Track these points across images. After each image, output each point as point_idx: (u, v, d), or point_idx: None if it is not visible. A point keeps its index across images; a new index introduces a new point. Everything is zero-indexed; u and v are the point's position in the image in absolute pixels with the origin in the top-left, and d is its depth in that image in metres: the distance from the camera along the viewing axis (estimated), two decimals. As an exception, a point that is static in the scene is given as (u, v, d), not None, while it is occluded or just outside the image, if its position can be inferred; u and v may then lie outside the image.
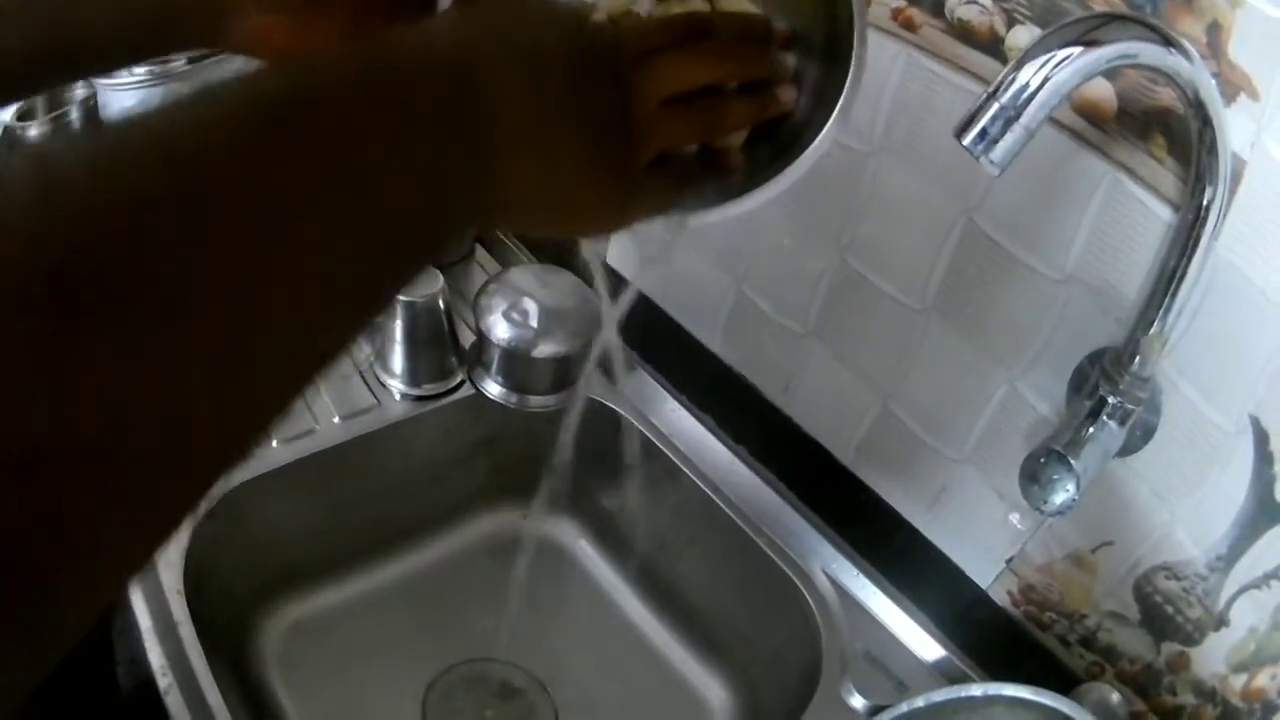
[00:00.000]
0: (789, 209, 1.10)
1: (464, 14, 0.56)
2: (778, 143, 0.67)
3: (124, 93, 1.48)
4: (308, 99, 0.41)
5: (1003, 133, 0.64)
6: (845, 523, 1.16)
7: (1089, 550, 0.92)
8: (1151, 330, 0.77)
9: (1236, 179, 0.73)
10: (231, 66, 1.52)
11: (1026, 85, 0.63)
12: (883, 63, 0.94)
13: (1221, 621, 0.83)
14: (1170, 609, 0.87)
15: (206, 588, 1.03)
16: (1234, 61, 0.72)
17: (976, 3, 0.86)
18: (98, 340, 0.31)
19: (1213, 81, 0.68)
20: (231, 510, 1.10)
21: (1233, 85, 0.72)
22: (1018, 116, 0.63)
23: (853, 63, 0.65)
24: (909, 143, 0.96)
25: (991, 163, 0.65)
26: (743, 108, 0.64)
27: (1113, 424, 0.81)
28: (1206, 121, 0.68)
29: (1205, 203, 0.71)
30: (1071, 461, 0.80)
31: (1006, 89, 0.63)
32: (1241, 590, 0.81)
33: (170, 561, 1.01)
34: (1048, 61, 0.63)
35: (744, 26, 0.65)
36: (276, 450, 1.15)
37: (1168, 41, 0.65)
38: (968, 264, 0.94)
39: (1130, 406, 0.80)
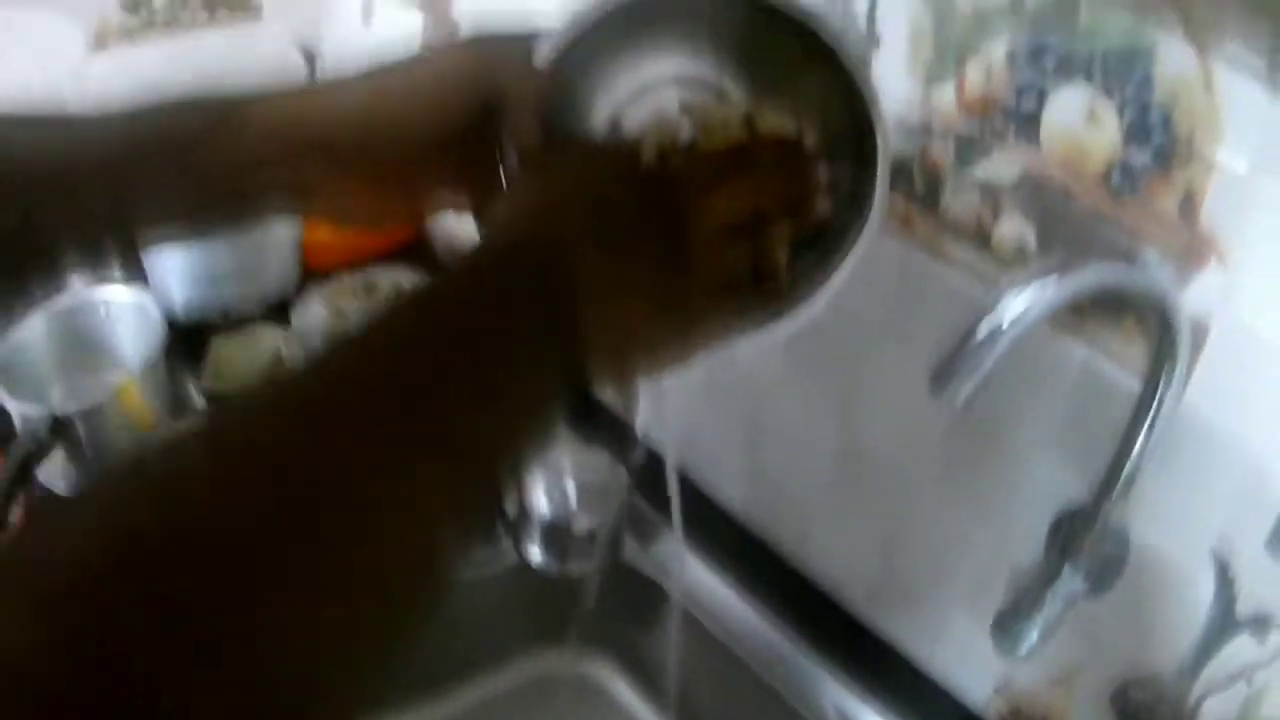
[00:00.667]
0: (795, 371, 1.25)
1: (534, 191, 0.66)
2: (820, 251, 0.73)
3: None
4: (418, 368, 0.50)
5: (966, 378, 0.74)
6: (856, 662, 1.25)
7: (1067, 674, 1.03)
8: (1113, 495, 0.88)
9: (1201, 337, 0.83)
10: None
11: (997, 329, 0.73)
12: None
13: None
14: (1144, 716, 0.97)
15: None
16: (1204, 228, 0.82)
17: (964, 197, 1.00)
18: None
19: (1169, 287, 0.80)
20: None
21: (1201, 253, 0.83)
22: (978, 364, 0.73)
23: (879, 160, 0.70)
24: (906, 334, 1.10)
25: (955, 405, 0.76)
26: (788, 225, 0.69)
27: (1076, 578, 0.93)
28: (1165, 324, 0.80)
29: (1159, 393, 0.82)
30: (1035, 615, 0.92)
31: (971, 338, 0.73)
32: (1207, 693, 0.91)
33: None
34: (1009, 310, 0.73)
35: (782, 151, 0.70)
36: None
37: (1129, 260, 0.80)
38: (960, 437, 1.07)
39: (1092, 562, 0.92)
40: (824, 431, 1.23)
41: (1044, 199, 0.94)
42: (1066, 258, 0.78)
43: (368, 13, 2.20)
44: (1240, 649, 0.88)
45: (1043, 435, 1.00)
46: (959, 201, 1.01)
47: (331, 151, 0.69)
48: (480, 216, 0.75)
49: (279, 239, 1.80)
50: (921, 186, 1.04)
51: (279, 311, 1.77)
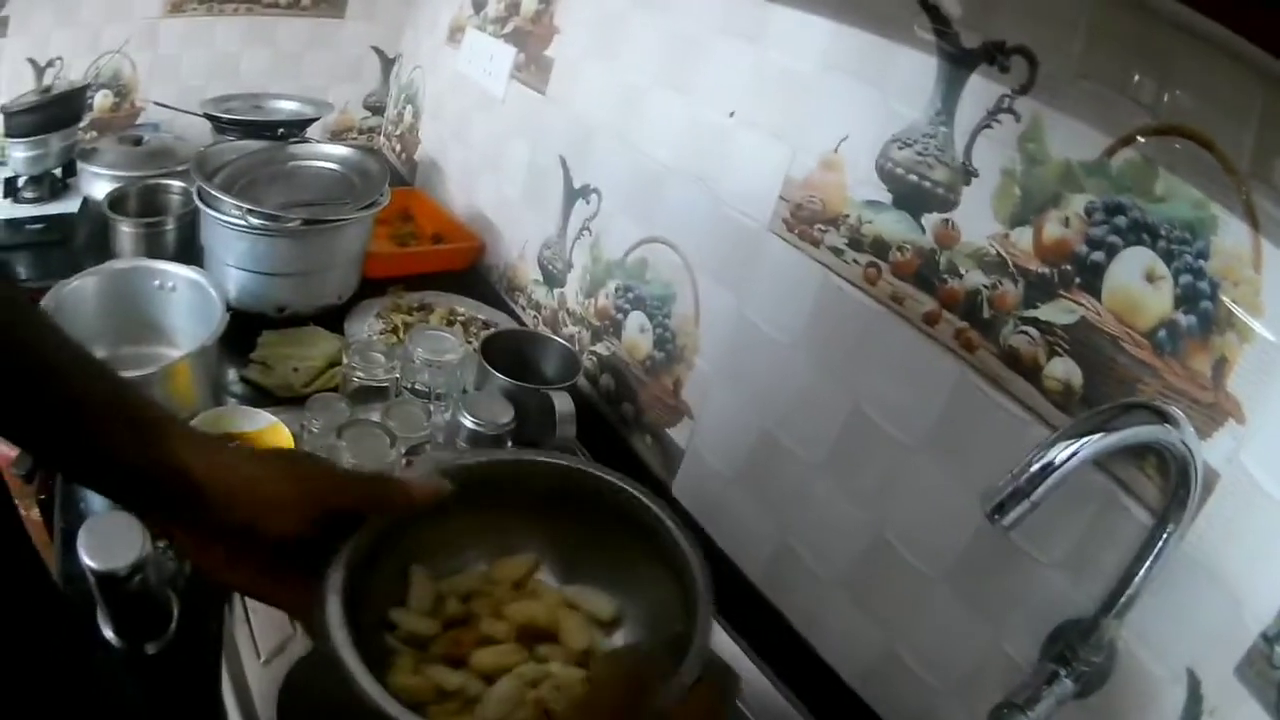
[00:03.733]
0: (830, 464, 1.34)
1: None
2: None
3: (234, 231, 1.71)
4: None
5: (1016, 506, 0.86)
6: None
7: None
8: (1112, 613, 0.97)
9: (1210, 486, 0.92)
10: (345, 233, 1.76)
11: (1043, 470, 0.85)
12: (939, 376, 1.18)
13: None
14: None
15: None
16: (1230, 392, 0.92)
17: (1025, 333, 1.09)
18: None
19: (1195, 446, 0.90)
20: (322, 665, 1.19)
21: (1223, 412, 0.92)
22: (1030, 494, 0.85)
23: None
24: (951, 446, 1.18)
25: (1005, 528, 0.87)
26: None
27: (1068, 682, 1.01)
28: (1183, 474, 0.90)
29: (1168, 533, 0.93)
30: (1027, 713, 1.00)
31: (1025, 471, 0.85)
32: None
33: (265, 695, 1.14)
34: (1062, 451, 0.85)
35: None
36: None
37: (1164, 419, 0.89)
38: (983, 550, 1.15)
39: (1084, 669, 1.00)
40: (856, 521, 1.31)
41: (1095, 346, 1.04)
42: (1113, 413, 0.89)
43: (455, 33, 2.28)
44: None
45: (1058, 553, 1.08)
46: (1019, 336, 1.11)
47: (203, 513, 0.81)
48: (294, 615, 0.88)
49: (350, 250, 1.85)
50: (988, 315, 1.14)
51: (334, 316, 1.84)
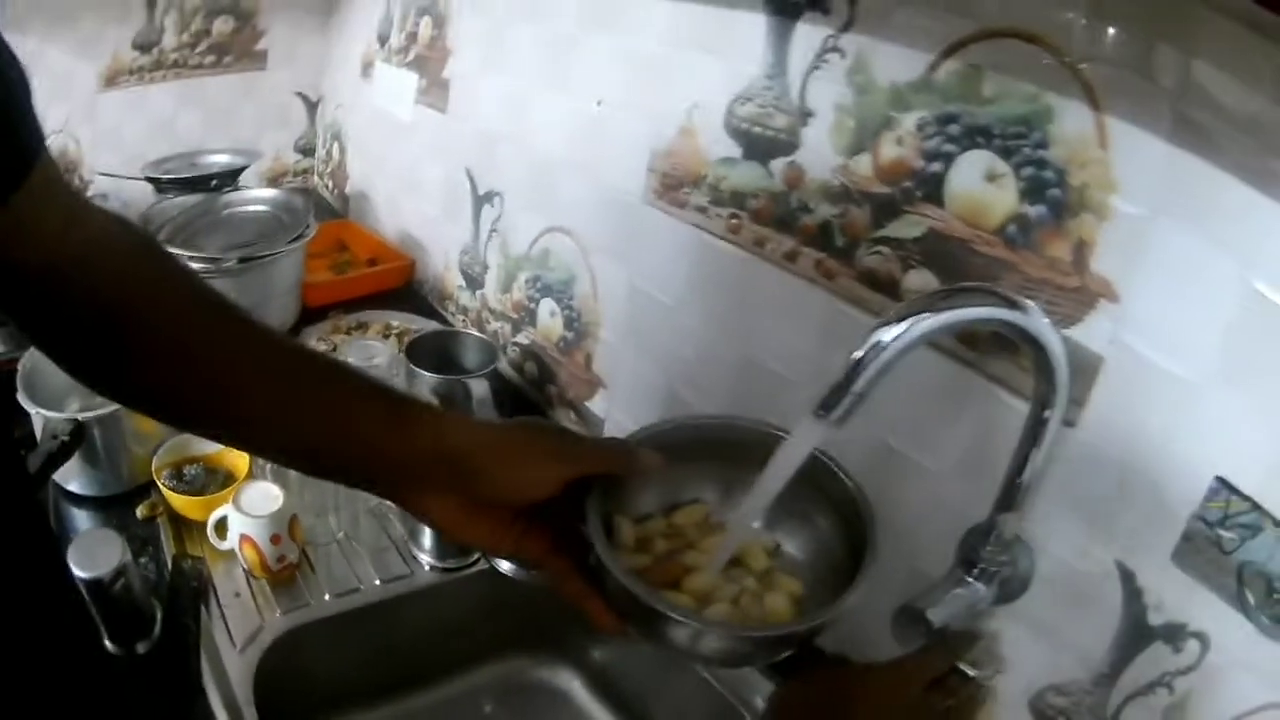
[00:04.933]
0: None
1: None
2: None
3: None
4: None
5: (841, 400, 0.75)
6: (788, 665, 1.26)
7: (986, 678, 1.01)
8: (1008, 511, 0.89)
9: (1093, 371, 0.86)
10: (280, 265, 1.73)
11: (876, 348, 0.74)
12: (807, 302, 1.12)
13: None
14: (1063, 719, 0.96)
15: (271, 707, 1.16)
16: (1096, 273, 0.85)
17: (878, 253, 1.04)
18: None
19: (1045, 322, 0.77)
20: (292, 647, 1.25)
21: (1093, 294, 0.85)
22: (851, 384, 0.74)
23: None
24: (826, 367, 1.07)
25: (833, 422, 0.76)
26: None
27: (979, 585, 0.93)
28: (1043, 356, 0.79)
29: (1047, 416, 0.82)
30: (927, 614, 0.92)
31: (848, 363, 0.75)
32: (1128, 699, 0.89)
33: (241, 679, 1.16)
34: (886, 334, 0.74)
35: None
36: (329, 602, 1.29)
37: (1008, 303, 0.77)
38: (872, 466, 1.03)
39: (994, 570, 0.93)
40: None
41: (947, 253, 0.98)
42: (942, 295, 0.77)
43: (366, 68, 2.22)
44: (1157, 657, 0.86)
45: (950, 460, 1.03)
46: (873, 257, 1.05)
47: (449, 479, 0.80)
48: (541, 564, 0.86)
49: (285, 281, 1.82)
50: (841, 242, 1.08)
51: None
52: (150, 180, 2.14)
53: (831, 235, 1.10)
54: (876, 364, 0.74)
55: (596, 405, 1.59)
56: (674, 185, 1.31)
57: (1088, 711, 0.93)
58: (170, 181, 2.10)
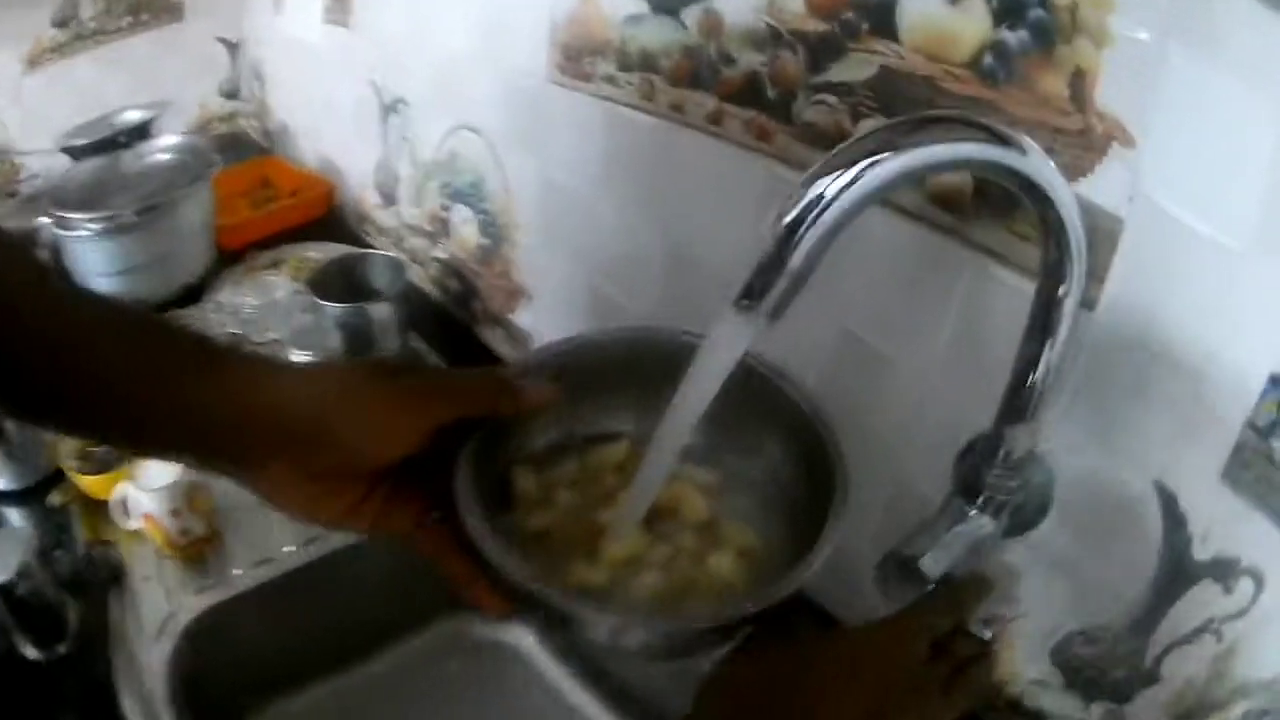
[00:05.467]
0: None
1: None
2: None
3: (84, 244, 1.53)
4: None
5: (773, 283, 0.53)
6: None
7: (1001, 630, 0.82)
8: (1020, 422, 0.66)
9: (1112, 237, 0.64)
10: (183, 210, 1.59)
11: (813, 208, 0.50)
12: (740, 174, 0.90)
13: (1152, 678, 0.73)
14: (1093, 671, 0.77)
15: (192, 701, 1.02)
16: (1102, 109, 0.63)
17: (821, 102, 0.81)
18: None
19: (1050, 165, 0.55)
20: (205, 631, 1.09)
21: (1102, 137, 0.64)
22: (782, 262, 0.52)
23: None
24: None
25: (764, 317, 0.54)
26: None
27: (985, 518, 0.71)
28: (1052, 213, 0.56)
29: (1061, 294, 0.60)
30: (920, 563, 0.71)
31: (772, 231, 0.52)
32: (1169, 648, 0.71)
33: (156, 672, 1.02)
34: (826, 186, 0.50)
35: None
36: (245, 575, 1.14)
37: (1000, 139, 0.53)
38: (839, 363, 0.88)
39: (1002, 497, 0.70)
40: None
41: (907, 95, 0.75)
42: (901, 131, 0.52)
43: (278, 4, 2.06)
44: (1204, 597, 0.67)
45: (937, 354, 0.81)
46: (814, 108, 0.82)
47: (284, 445, 0.63)
48: (412, 540, 0.69)
49: (192, 226, 1.66)
50: (773, 95, 0.85)
51: (195, 295, 1.62)
52: (66, 151, 1.97)
53: (761, 88, 0.86)
54: (817, 230, 0.50)
55: (522, 318, 1.39)
56: (576, 56, 1.07)
57: (1121, 661, 0.74)
58: (84, 148, 1.94)
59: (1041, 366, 0.63)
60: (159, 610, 1.08)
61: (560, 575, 0.64)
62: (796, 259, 0.51)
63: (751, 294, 0.53)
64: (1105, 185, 0.64)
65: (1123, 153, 0.63)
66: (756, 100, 0.87)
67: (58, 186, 1.70)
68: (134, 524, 1.15)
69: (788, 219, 0.50)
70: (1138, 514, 0.69)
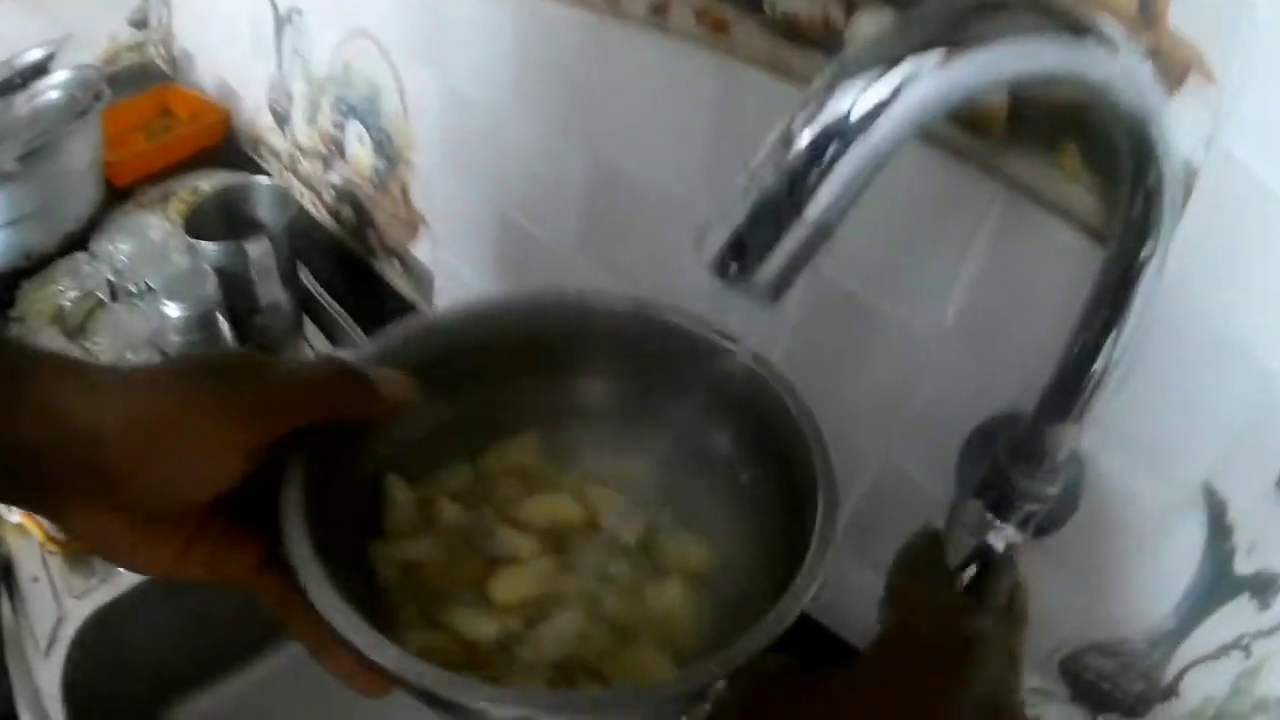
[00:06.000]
0: None
1: None
2: None
3: None
4: None
5: (772, 242, 0.34)
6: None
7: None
8: (1067, 419, 0.50)
9: (1186, 191, 0.46)
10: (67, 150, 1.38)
11: (810, 159, 0.32)
12: (691, 79, 0.69)
13: (1170, 693, 0.62)
14: (1106, 685, 0.65)
15: (91, 713, 0.92)
16: (1176, 33, 0.46)
17: None
18: None
19: (1152, 83, 0.38)
20: (96, 637, 0.97)
21: (1177, 66, 0.46)
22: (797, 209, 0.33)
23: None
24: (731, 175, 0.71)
25: (765, 289, 0.35)
26: None
27: (1010, 529, 0.56)
28: (1146, 147, 0.39)
29: (1142, 259, 0.43)
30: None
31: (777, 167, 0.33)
32: (1193, 664, 0.60)
33: (51, 693, 0.90)
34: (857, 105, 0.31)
35: None
36: (123, 577, 0.98)
37: (1075, 30, 0.34)
38: (819, 321, 0.69)
39: (1033, 507, 0.54)
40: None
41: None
42: (953, 19, 0.33)
43: None
44: (1238, 613, 0.56)
45: (947, 313, 0.63)
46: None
47: (82, 481, 0.47)
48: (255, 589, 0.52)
49: (78, 166, 1.47)
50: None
51: (82, 241, 1.42)
52: None
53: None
54: (850, 162, 0.32)
55: (421, 250, 1.19)
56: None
57: (1139, 677, 0.63)
58: None
59: (1107, 351, 0.46)
60: (49, 615, 0.96)
61: (433, 628, 0.47)
62: (819, 208, 0.32)
63: (742, 253, 0.34)
64: (1178, 124, 0.45)
65: (1202, 89, 0.46)
66: (715, -18, 0.65)
67: (-62, 140, 1.48)
68: (15, 517, 1.03)
69: (805, 141, 0.31)
70: (1177, 520, 0.56)
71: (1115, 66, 0.35)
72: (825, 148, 0.31)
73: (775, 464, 0.51)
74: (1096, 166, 0.50)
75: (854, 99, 0.30)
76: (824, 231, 0.33)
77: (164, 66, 2.12)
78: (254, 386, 0.49)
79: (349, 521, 0.50)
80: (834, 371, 0.69)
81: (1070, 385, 0.48)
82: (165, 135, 1.66)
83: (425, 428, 0.55)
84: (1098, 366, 0.46)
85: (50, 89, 1.55)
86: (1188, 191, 0.46)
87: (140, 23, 2.20)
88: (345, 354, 0.63)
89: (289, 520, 0.46)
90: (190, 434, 0.46)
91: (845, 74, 0.31)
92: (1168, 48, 0.46)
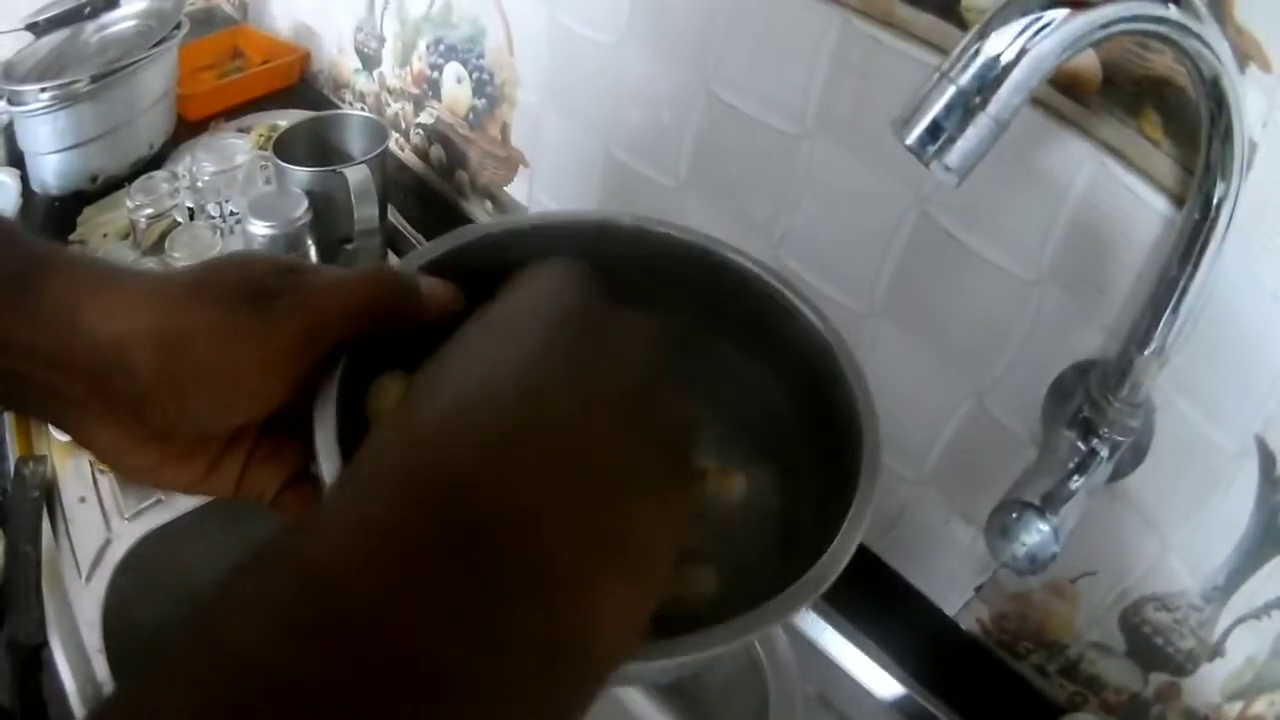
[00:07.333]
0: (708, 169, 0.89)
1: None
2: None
3: (36, 118, 1.35)
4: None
5: (962, 127, 0.43)
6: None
7: (1069, 580, 0.72)
8: (1149, 349, 0.56)
9: (1246, 167, 0.52)
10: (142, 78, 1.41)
11: (996, 60, 0.42)
12: (813, 32, 0.72)
13: (1217, 652, 0.65)
14: (1160, 640, 0.68)
15: (128, 643, 0.87)
16: (1241, 24, 0.51)
17: None
18: None
19: (1227, 47, 0.46)
20: (143, 562, 0.93)
21: (1240, 54, 0.52)
22: (983, 104, 0.42)
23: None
24: (849, 124, 0.73)
25: (948, 169, 0.43)
26: None
27: (1101, 460, 0.60)
28: (1221, 101, 0.47)
29: (1217, 200, 0.50)
30: (1049, 519, 0.58)
31: (966, 66, 0.42)
32: (1239, 620, 0.63)
33: (90, 620, 0.86)
34: (1026, 28, 0.41)
35: None
36: (180, 497, 0.95)
37: None
38: (920, 262, 0.73)
39: (1119, 438, 0.59)
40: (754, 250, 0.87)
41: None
42: None
43: None
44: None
45: (1041, 261, 0.66)
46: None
47: (103, 397, 0.44)
48: (278, 506, 0.50)
49: (152, 94, 1.48)
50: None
51: (152, 168, 1.42)
52: (28, 28, 1.72)
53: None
54: (1021, 71, 0.42)
55: (518, 189, 1.21)
56: None
57: (1192, 633, 0.66)
58: (48, 23, 1.70)
59: (1192, 290, 0.53)
60: (94, 537, 0.92)
61: None
62: (999, 101, 0.42)
63: (937, 137, 0.42)
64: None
65: (1259, 77, 0.52)
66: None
67: (11, 62, 1.51)
68: (64, 436, 0.98)
69: (992, 51, 0.41)
70: (1232, 471, 0.60)
71: (1201, 29, 0.44)
72: (998, 61, 0.41)
73: (801, 385, 0.50)
74: (1175, 135, 0.55)
75: (1027, 23, 0.41)
76: (1002, 125, 0.42)
77: (231, 10, 2.12)
78: (299, 305, 0.46)
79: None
80: (933, 311, 0.73)
81: (1154, 317, 0.55)
82: (237, 75, 1.69)
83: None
84: (1182, 299, 0.53)
85: (124, 20, 1.58)
86: (1247, 167, 0.51)
87: (214, -40, 2.23)
88: (394, 261, 0.60)
89: (323, 436, 0.44)
90: (229, 360, 0.44)
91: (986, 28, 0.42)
92: (1232, 37, 0.51)
